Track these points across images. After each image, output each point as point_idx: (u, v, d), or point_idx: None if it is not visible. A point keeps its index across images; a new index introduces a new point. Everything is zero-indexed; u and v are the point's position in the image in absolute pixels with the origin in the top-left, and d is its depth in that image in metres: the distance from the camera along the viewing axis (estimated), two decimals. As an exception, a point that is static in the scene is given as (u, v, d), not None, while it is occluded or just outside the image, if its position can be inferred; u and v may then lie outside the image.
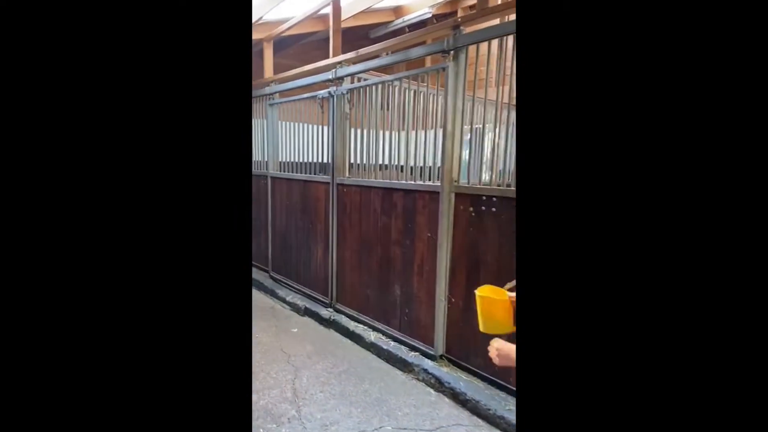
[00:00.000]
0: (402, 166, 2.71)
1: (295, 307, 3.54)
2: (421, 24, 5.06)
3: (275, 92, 3.90)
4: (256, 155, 4.32)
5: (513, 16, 2.33)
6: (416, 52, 2.46)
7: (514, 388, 2.10)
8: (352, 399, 2.25)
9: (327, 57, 3.53)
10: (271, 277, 4.12)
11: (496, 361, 1.09)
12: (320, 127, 3.37)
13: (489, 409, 2.06)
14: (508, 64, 2.02)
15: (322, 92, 3.22)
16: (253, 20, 3.74)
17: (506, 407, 2.05)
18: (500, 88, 2.06)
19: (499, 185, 2.15)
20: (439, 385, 2.33)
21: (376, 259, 2.90)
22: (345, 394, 2.29)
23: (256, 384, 2.35)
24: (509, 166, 2.12)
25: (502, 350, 1.09)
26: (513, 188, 2.05)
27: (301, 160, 3.68)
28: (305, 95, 3.46)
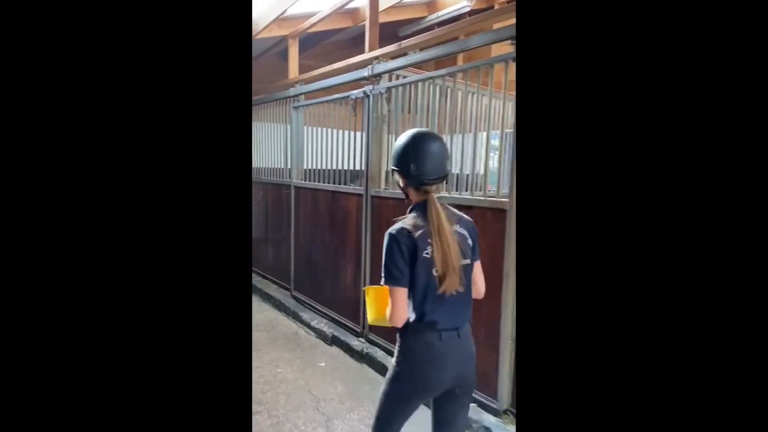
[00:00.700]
0: (446, 177, 2.29)
1: (321, 335, 3.13)
2: (456, 20, 4.64)
3: (300, 94, 3.54)
4: (278, 162, 3.95)
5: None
6: (478, 39, 2.03)
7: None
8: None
9: (351, 57, 3.14)
10: (294, 297, 3.73)
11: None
12: (349, 132, 2.98)
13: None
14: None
15: (356, 92, 2.83)
16: (277, 14, 3.39)
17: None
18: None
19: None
20: (504, 448, 1.90)
21: (419, 285, 2.48)
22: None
23: (281, 440, 1.95)
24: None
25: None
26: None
27: (327, 167, 3.30)
28: (335, 96, 3.08)
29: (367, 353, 2.74)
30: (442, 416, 1.23)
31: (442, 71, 2.32)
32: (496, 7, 4.43)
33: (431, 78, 2.39)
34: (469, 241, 1.18)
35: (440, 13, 4.49)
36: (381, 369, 2.60)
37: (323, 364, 2.74)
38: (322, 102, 3.25)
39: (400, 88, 2.54)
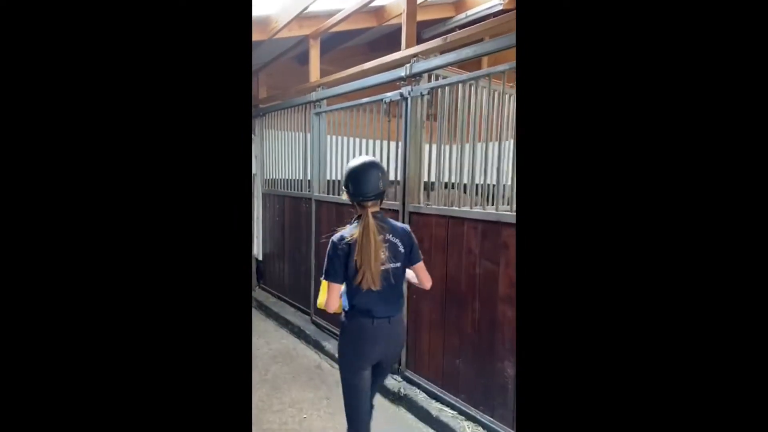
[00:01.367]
0: (475, 188, 1.94)
1: (348, 369, 2.76)
2: (485, 20, 4.33)
3: (322, 99, 3.22)
4: (296, 173, 3.62)
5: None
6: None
7: None
8: None
9: (371, 61, 2.80)
10: (314, 323, 3.37)
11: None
12: (381, 141, 2.64)
13: None
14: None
15: (391, 94, 2.49)
16: (297, 11, 3.09)
17: None
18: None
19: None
20: None
21: (470, 317, 2.12)
22: None
23: None
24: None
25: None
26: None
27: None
28: (364, 100, 2.75)
29: (405, 394, 2.36)
30: (372, 380, 1.60)
31: (490, 69, 1.99)
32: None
33: (474, 79, 2.06)
34: (401, 248, 1.49)
35: (469, 12, 4.17)
36: (424, 415, 2.23)
37: (355, 408, 2.37)
38: (348, 107, 2.92)
39: (447, 89, 2.20)
